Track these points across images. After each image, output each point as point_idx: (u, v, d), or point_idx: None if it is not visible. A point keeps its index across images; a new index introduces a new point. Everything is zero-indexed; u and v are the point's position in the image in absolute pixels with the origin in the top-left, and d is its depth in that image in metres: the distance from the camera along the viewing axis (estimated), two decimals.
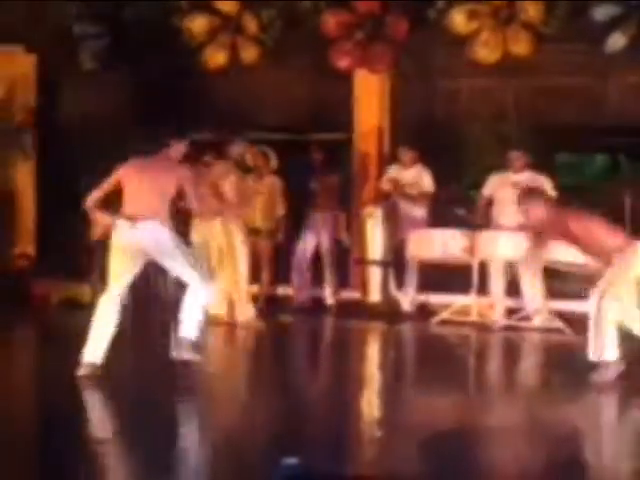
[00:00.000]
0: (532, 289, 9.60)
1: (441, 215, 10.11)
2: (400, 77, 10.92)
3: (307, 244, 10.64)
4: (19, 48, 11.49)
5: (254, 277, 10.01)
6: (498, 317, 9.64)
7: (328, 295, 10.62)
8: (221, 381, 7.44)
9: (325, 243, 10.63)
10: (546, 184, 9.65)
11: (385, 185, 10.38)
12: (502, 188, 9.70)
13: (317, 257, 10.68)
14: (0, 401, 6.34)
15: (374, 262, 10.27)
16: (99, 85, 11.34)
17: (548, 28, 9.97)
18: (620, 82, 10.80)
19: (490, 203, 9.85)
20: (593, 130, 11.07)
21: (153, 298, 9.99)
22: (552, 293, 9.62)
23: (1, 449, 5.21)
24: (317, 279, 10.69)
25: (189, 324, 6.84)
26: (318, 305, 10.60)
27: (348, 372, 7.76)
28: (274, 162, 10.66)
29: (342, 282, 10.74)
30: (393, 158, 10.61)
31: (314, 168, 10.66)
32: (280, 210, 10.63)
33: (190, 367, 6.87)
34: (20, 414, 6.09)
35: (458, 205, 9.75)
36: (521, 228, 9.43)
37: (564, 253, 9.31)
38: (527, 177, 9.67)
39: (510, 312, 9.66)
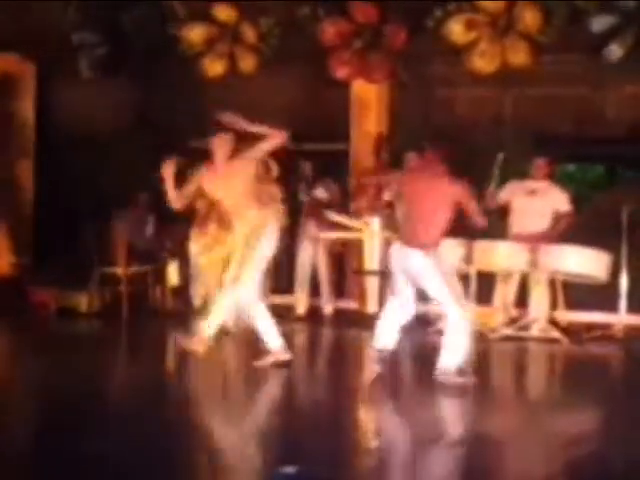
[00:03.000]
0: (534, 298, 9.61)
1: None
2: (398, 86, 10.94)
3: (306, 254, 10.66)
4: (17, 56, 11.51)
5: None
6: (498, 327, 9.63)
7: (324, 304, 10.63)
8: (216, 389, 7.44)
9: (320, 253, 10.64)
10: (562, 196, 9.66)
11: (388, 195, 10.38)
12: (518, 195, 9.71)
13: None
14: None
15: (372, 272, 10.26)
16: (97, 93, 11.34)
17: (546, 38, 9.97)
18: (617, 92, 10.83)
19: (505, 210, 9.84)
20: (590, 140, 11.09)
21: None
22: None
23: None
24: (314, 289, 10.71)
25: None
26: (315, 315, 10.60)
27: (345, 381, 7.75)
28: (275, 171, 10.65)
29: (340, 292, 10.74)
30: (391, 166, 10.61)
31: (304, 180, 10.68)
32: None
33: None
34: (20, 422, 6.09)
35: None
36: (528, 238, 9.44)
37: (566, 263, 9.36)
38: (544, 187, 9.68)
39: (510, 321, 9.66)
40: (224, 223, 9.28)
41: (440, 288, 7.10)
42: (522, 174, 9.84)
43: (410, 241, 7.15)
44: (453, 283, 7.15)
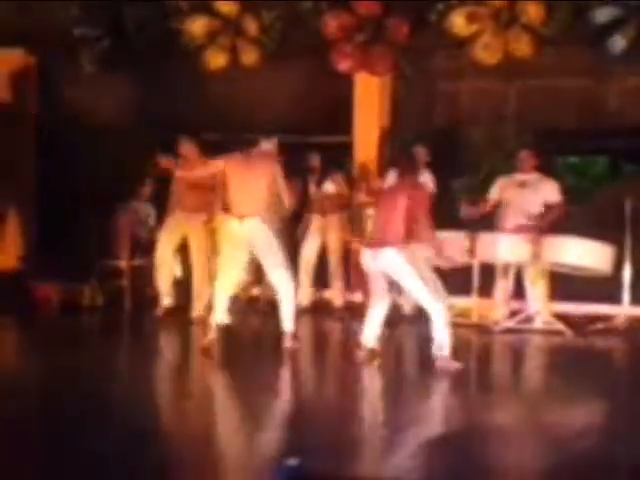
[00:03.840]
0: (534, 291, 9.61)
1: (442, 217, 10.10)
2: (401, 79, 10.92)
3: (313, 247, 10.66)
4: (19, 50, 11.51)
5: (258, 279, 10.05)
6: (500, 319, 9.64)
7: (335, 297, 10.63)
8: (221, 381, 7.44)
9: (332, 246, 10.64)
10: (552, 187, 9.66)
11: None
12: (508, 189, 9.71)
13: (321, 260, 10.71)
14: (2, 403, 6.34)
15: None
16: (100, 87, 11.34)
17: (548, 30, 9.95)
18: (620, 84, 10.82)
19: (497, 206, 9.85)
20: (593, 132, 11.08)
21: None
22: (554, 295, 9.65)
23: (4, 450, 5.20)
24: (322, 281, 10.71)
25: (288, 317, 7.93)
26: (323, 307, 10.61)
27: (350, 374, 7.75)
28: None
29: (344, 284, 10.75)
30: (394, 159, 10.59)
31: (313, 174, 10.68)
32: (284, 212, 10.66)
33: None
34: (23, 417, 6.08)
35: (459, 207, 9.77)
36: (523, 229, 9.45)
37: (568, 255, 9.35)
38: (534, 178, 9.69)
39: (512, 314, 9.66)
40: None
41: (415, 284, 7.47)
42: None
43: (381, 242, 7.54)
44: (428, 277, 7.49)
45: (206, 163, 9.00)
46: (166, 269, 9.92)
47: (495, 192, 9.83)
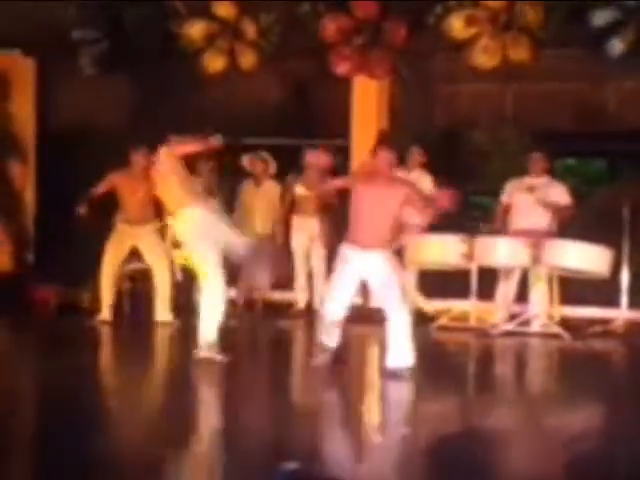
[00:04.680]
0: (536, 294, 9.61)
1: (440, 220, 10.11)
2: (399, 83, 10.93)
3: (302, 250, 10.65)
4: (17, 52, 11.51)
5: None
6: (499, 322, 9.64)
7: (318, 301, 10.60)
8: (219, 383, 7.44)
9: (318, 248, 10.61)
10: (562, 190, 9.68)
11: None
12: (518, 193, 9.73)
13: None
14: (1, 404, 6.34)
15: None
16: (98, 90, 11.34)
17: (547, 33, 9.97)
18: (618, 88, 10.84)
19: (508, 209, 9.87)
20: (591, 135, 11.10)
21: None
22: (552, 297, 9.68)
23: (1, 453, 5.21)
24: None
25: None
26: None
27: (347, 377, 7.75)
28: (273, 168, 10.71)
29: None
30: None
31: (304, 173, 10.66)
32: (279, 215, 10.66)
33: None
34: (21, 419, 6.09)
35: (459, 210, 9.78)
36: (528, 233, 9.46)
37: (567, 259, 9.37)
38: (543, 182, 9.70)
39: (512, 317, 9.67)
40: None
41: (395, 292, 7.26)
42: (523, 169, 9.86)
43: (368, 243, 7.26)
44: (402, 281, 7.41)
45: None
46: (108, 282, 9.92)
47: (506, 195, 9.85)
